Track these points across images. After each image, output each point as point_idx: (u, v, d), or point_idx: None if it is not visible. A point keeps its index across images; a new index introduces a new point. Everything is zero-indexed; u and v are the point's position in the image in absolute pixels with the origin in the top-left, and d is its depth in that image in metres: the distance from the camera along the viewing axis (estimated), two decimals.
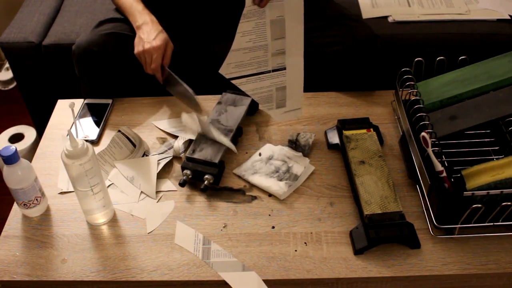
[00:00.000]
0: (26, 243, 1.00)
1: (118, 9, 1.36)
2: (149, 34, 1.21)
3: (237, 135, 1.17)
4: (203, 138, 1.13)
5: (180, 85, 1.19)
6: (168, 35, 1.24)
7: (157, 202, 1.07)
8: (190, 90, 1.18)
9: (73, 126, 1.23)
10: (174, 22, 1.38)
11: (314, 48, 1.32)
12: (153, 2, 1.33)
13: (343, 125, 1.15)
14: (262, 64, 1.06)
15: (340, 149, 1.14)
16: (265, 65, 1.06)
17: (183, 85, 1.18)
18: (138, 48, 1.22)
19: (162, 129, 1.22)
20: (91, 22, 1.48)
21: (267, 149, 1.15)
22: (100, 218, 1.02)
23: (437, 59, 1.16)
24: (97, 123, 1.24)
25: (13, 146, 0.96)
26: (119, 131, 1.15)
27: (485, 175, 0.94)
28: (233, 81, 1.07)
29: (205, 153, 1.09)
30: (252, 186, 1.09)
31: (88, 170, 0.92)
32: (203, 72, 1.47)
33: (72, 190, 1.06)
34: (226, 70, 1.05)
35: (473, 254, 0.95)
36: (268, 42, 1.04)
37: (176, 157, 1.15)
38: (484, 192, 0.91)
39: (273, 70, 1.07)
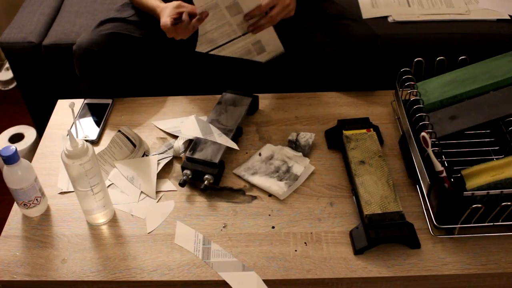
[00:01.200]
0: (26, 243, 1.00)
1: (137, 5, 1.35)
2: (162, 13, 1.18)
3: (237, 135, 1.17)
4: (203, 138, 1.13)
5: None
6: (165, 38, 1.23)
7: (157, 202, 1.07)
8: None
9: (73, 126, 1.23)
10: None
11: (314, 48, 1.32)
12: None
13: (343, 125, 1.15)
14: (231, 34, 1.16)
15: (340, 149, 1.15)
16: (234, 34, 1.16)
17: None
18: (164, 26, 1.15)
19: (162, 129, 1.22)
20: (91, 22, 1.48)
21: (267, 149, 1.15)
22: (100, 218, 1.02)
23: (437, 59, 1.16)
24: (97, 123, 1.25)
25: (13, 146, 0.96)
26: (119, 131, 1.15)
27: (485, 175, 0.94)
28: (211, 52, 1.18)
29: (205, 153, 1.09)
30: (252, 186, 1.09)
31: (88, 170, 0.92)
32: (203, 72, 1.47)
33: (72, 190, 1.06)
34: (201, 48, 1.17)
35: (473, 254, 0.95)
36: (229, 19, 1.13)
37: (176, 157, 1.15)
38: (484, 192, 0.91)
39: (243, 34, 1.17)
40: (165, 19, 1.14)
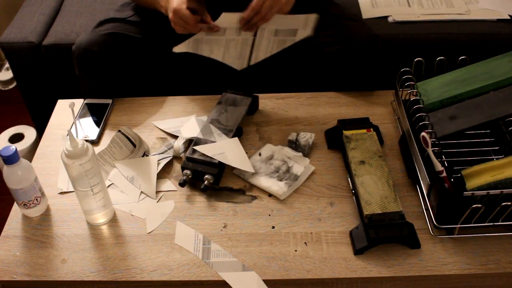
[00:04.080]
0: (26, 243, 1.00)
1: (139, 3, 1.34)
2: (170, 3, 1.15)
3: (237, 135, 1.17)
4: (203, 138, 1.13)
5: None
6: (166, 36, 1.23)
7: (157, 202, 1.07)
8: None
9: (73, 126, 1.23)
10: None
11: (314, 48, 1.32)
12: None
13: (343, 125, 1.15)
14: (247, 43, 1.16)
15: (340, 149, 1.15)
16: (248, 41, 1.16)
17: None
18: (177, 11, 1.12)
19: (162, 129, 1.22)
20: (91, 22, 1.48)
21: (267, 149, 1.15)
22: (100, 218, 1.02)
23: (437, 59, 1.16)
24: (97, 123, 1.24)
25: (13, 146, 0.96)
26: (119, 131, 1.15)
27: (485, 175, 0.94)
28: (251, 63, 1.19)
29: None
30: (252, 186, 1.09)
31: (88, 170, 0.92)
32: (203, 72, 1.47)
33: (72, 190, 1.06)
34: (240, 64, 1.18)
35: (473, 254, 0.95)
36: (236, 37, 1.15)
37: (176, 157, 1.15)
38: (484, 192, 0.91)
39: (255, 35, 1.15)
40: (181, 5, 1.10)
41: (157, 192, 1.08)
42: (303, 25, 1.15)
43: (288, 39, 1.17)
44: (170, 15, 1.13)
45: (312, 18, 1.15)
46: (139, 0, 1.33)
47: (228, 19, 1.11)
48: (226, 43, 1.15)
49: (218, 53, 1.17)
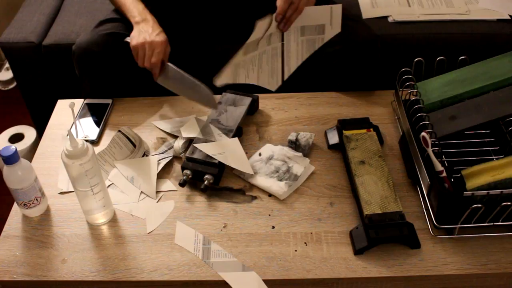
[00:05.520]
0: (26, 243, 1.00)
1: (115, 6, 1.35)
2: (150, 30, 1.20)
3: (237, 135, 1.17)
4: (203, 138, 1.13)
5: (187, 79, 1.19)
6: (168, 36, 1.23)
7: (157, 202, 1.07)
8: (200, 84, 1.18)
9: (73, 126, 1.23)
10: (174, 21, 1.38)
11: None
12: (154, 1, 1.33)
13: (343, 125, 1.15)
14: (277, 50, 1.17)
15: (340, 149, 1.15)
16: (278, 48, 1.17)
17: (191, 79, 1.18)
18: (138, 39, 1.19)
19: (162, 129, 1.22)
20: (91, 22, 1.48)
21: (267, 149, 1.15)
22: (100, 218, 1.02)
23: (437, 59, 1.16)
24: (97, 123, 1.24)
25: (13, 146, 0.96)
26: (119, 131, 1.15)
27: (485, 175, 0.94)
28: (286, 77, 1.21)
29: (205, 153, 1.09)
30: (252, 186, 1.09)
31: (88, 170, 0.92)
32: (204, 72, 1.47)
33: (72, 190, 1.06)
34: (277, 83, 1.20)
35: (473, 254, 0.95)
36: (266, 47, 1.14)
37: (176, 157, 1.15)
38: (484, 192, 0.91)
39: (282, 41, 1.17)
40: (159, 59, 1.18)
41: (157, 192, 1.08)
42: (329, 19, 1.14)
43: (317, 38, 1.16)
44: (153, 43, 1.18)
45: (336, 8, 1.14)
46: (115, 3, 1.34)
47: (261, 27, 1.10)
48: (259, 58, 1.15)
49: (253, 75, 1.17)
